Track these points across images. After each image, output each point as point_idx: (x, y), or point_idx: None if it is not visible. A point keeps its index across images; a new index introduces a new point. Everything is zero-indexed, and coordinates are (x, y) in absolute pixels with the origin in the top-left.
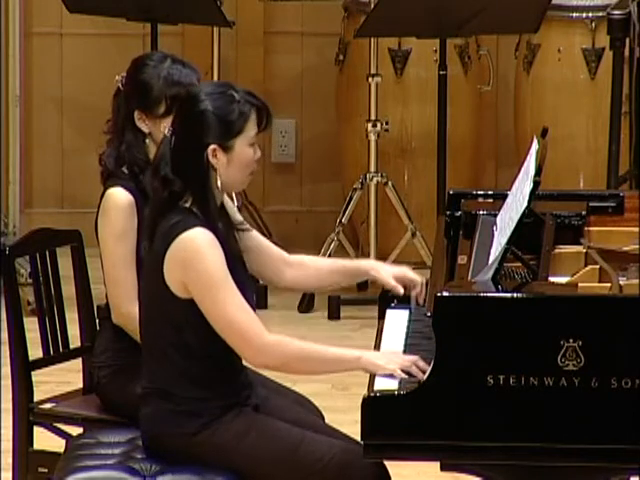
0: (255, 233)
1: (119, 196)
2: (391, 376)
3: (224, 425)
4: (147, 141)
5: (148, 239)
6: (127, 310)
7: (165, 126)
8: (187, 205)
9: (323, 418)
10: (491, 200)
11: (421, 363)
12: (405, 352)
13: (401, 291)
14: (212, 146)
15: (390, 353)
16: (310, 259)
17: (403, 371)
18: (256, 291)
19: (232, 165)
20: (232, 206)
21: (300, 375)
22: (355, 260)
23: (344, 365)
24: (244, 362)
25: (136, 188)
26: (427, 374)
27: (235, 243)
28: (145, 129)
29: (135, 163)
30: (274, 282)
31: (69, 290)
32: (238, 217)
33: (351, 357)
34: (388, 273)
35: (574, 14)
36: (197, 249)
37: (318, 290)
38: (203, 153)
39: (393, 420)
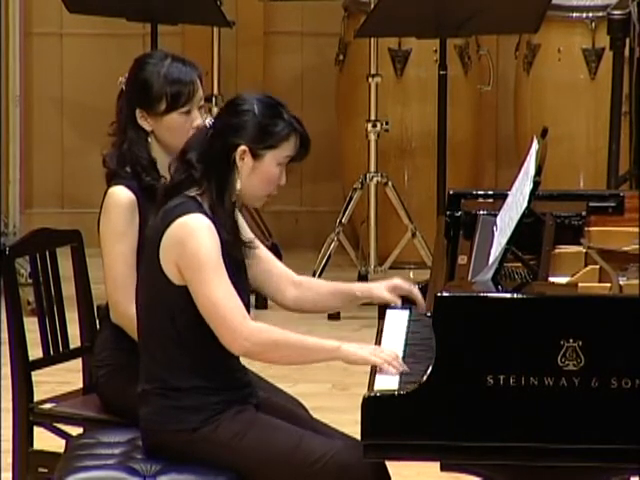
0: (267, 255)
1: (120, 195)
2: (390, 375)
3: (225, 422)
4: (149, 139)
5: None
6: (126, 309)
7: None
8: (193, 194)
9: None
10: (491, 200)
11: (400, 360)
12: (405, 352)
13: (398, 302)
14: (243, 147)
15: (370, 346)
16: (314, 281)
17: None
18: (257, 292)
19: (255, 175)
20: (243, 223)
21: (278, 364)
22: (349, 284)
23: (323, 354)
24: (242, 361)
25: (138, 187)
26: (427, 374)
27: (239, 252)
28: (147, 127)
29: (137, 162)
30: (276, 300)
31: (69, 290)
32: (249, 235)
33: (330, 347)
34: (380, 289)
35: (574, 14)
36: (192, 231)
37: (317, 312)
38: (233, 151)
39: (393, 420)
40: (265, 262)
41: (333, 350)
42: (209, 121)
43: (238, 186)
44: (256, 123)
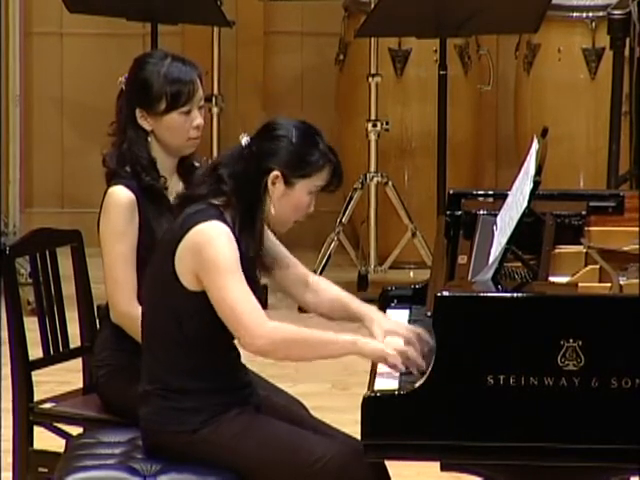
0: (284, 250)
1: (120, 194)
2: (391, 375)
3: (225, 423)
4: (149, 139)
5: (175, 217)
6: (126, 309)
7: (166, 124)
8: (216, 202)
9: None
10: (491, 200)
11: (417, 348)
12: None
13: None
14: (276, 172)
15: (391, 328)
16: (325, 286)
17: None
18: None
19: (285, 201)
20: (271, 236)
21: (295, 361)
22: (363, 306)
23: (340, 349)
24: (243, 360)
25: (138, 186)
26: (427, 374)
27: (254, 273)
28: (147, 127)
29: (137, 161)
30: (298, 302)
31: (69, 290)
32: (280, 249)
33: (347, 340)
34: (380, 330)
35: (574, 14)
36: (210, 237)
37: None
38: (266, 175)
39: (393, 420)
40: (286, 267)
41: (350, 344)
42: (246, 140)
43: (273, 211)
44: (291, 151)
